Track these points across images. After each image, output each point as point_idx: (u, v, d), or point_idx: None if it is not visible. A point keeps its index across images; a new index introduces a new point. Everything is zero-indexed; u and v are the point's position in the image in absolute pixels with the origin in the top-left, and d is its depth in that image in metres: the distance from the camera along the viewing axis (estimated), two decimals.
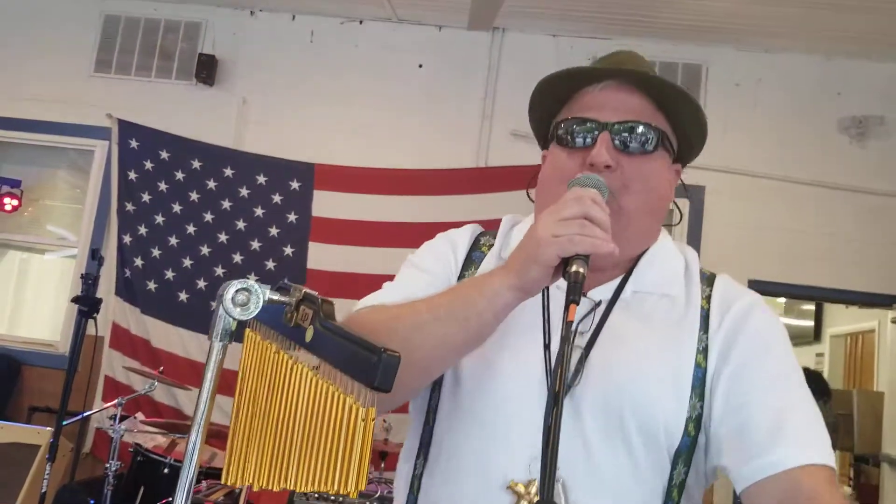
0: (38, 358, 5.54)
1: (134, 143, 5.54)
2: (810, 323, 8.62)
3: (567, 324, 0.80)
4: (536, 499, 0.93)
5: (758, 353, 1.02)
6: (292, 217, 5.46)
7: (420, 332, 0.94)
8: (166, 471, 3.92)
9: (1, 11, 5.91)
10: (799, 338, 8.87)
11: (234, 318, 0.74)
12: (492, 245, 1.18)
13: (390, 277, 1.17)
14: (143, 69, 5.74)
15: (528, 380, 1.01)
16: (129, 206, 5.51)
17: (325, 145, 5.49)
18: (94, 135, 5.66)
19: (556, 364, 0.82)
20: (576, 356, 1.01)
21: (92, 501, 4.22)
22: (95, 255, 3.10)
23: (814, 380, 5.97)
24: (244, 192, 5.49)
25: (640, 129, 1.04)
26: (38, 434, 3.64)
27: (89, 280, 3.01)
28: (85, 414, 3.97)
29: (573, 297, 0.84)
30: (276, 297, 0.76)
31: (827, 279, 5.11)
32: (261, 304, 0.74)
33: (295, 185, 5.48)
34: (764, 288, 5.13)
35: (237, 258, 5.45)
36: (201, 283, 5.44)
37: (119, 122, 5.54)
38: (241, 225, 5.48)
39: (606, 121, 1.04)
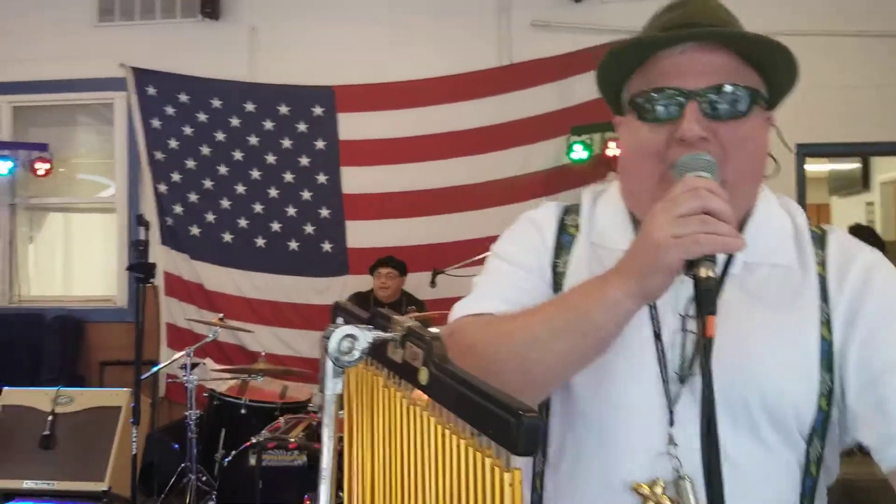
0: (98, 314, 5.67)
1: (152, 90, 5.45)
2: (858, 165, 8.36)
3: (706, 341, 0.74)
4: (663, 498, 0.91)
5: (887, 317, 0.94)
6: (320, 144, 5.38)
7: (536, 349, 0.90)
8: (243, 411, 4.05)
9: None
10: (846, 188, 8.67)
11: (343, 367, 0.71)
12: (578, 225, 1.09)
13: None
14: (146, 12, 5.57)
15: (641, 376, 0.97)
16: (159, 155, 5.48)
17: (342, 66, 5.32)
18: (111, 87, 5.57)
19: (703, 394, 0.76)
20: (690, 341, 0.96)
21: (176, 446, 4.40)
22: (141, 221, 3.10)
23: (866, 234, 5.84)
24: (268, 125, 5.41)
25: (730, 89, 0.94)
26: (115, 396, 3.74)
27: (140, 247, 3.02)
28: (156, 368, 4.07)
29: (711, 308, 0.76)
30: (380, 335, 0.72)
31: (879, 132, 4.92)
32: (366, 347, 0.70)
33: (318, 110, 5.36)
34: (815, 150, 4.98)
35: (273, 192, 5.42)
36: (243, 222, 5.45)
37: (133, 70, 5.44)
38: (271, 159, 5.42)
39: (692, 88, 0.94)
